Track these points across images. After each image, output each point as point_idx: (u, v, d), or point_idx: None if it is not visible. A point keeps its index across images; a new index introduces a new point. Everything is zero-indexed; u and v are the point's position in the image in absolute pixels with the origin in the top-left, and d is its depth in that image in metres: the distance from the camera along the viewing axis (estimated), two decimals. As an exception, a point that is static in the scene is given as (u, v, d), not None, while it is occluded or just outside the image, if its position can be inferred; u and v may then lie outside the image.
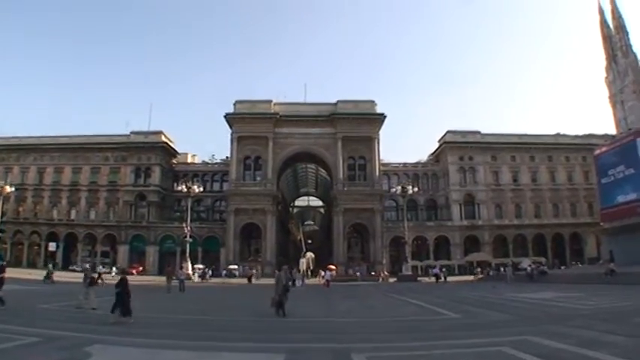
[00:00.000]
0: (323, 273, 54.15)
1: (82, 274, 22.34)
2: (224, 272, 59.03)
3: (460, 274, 59.51)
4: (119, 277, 15.34)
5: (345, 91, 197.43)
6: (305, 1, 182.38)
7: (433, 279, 48.64)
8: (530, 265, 46.84)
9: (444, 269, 52.92)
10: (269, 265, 63.27)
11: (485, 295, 26.19)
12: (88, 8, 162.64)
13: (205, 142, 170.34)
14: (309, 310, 19.45)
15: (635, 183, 44.18)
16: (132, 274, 45.74)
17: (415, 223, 69.48)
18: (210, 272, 54.04)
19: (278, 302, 15.60)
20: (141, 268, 63.20)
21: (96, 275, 21.08)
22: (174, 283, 31.99)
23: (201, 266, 58.40)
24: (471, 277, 52.69)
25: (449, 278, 49.57)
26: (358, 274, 56.24)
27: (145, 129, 73.99)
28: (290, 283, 16.16)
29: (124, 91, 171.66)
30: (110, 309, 14.82)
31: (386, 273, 55.07)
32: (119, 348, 11.25)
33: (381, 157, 71.05)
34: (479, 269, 56.83)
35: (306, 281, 52.83)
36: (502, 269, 52.15)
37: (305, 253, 63.77)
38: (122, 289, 14.69)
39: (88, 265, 47.15)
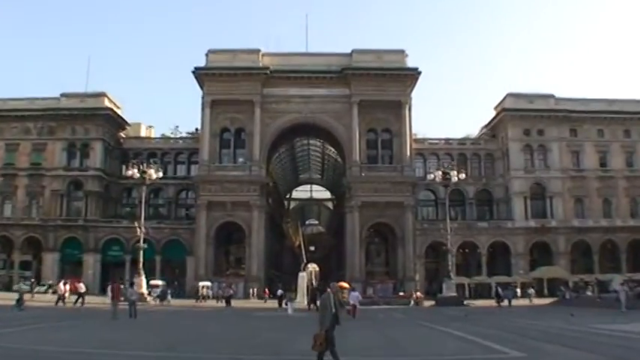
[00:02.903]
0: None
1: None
2: (195, 291, 59.27)
3: (522, 295, 59.47)
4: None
5: (363, 39, 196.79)
6: None
7: (491, 301, 49.72)
8: (622, 284, 46.62)
9: (511, 288, 53.19)
10: (256, 282, 63.79)
11: (560, 327, 26.11)
12: None
13: (167, 109, 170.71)
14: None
15: None
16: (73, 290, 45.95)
17: (461, 223, 70.01)
18: (171, 292, 54.20)
19: (327, 341, 13.75)
20: (82, 285, 63.45)
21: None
22: (123, 305, 31.95)
23: (159, 283, 59.00)
24: (547, 300, 52.90)
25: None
26: (381, 295, 56.27)
27: (81, 90, 74.25)
28: (332, 309, 14.30)
29: (52, 40, 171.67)
30: None
31: (419, 294, 55.05)
32: None
33: (414, 131, 71.95)
34: (564, 288, 57.48)
35: (304, 303, 53.19)
36: (589, 288, 51.81)
37: (306, 264, 63.94)
38: None
39: (24, 285, 47.54)
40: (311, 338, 13.40)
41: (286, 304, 40.68)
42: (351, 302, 36.56)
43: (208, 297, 57.01)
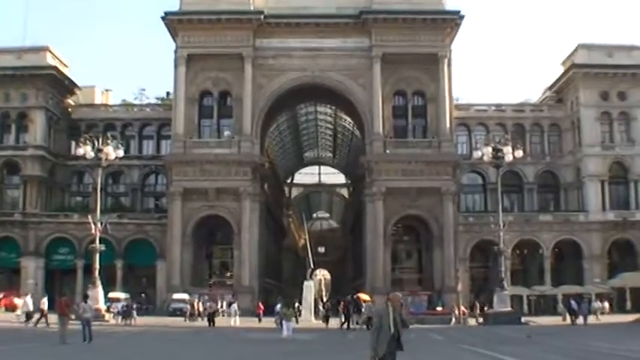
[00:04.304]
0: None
1: None
2: (167, 306, 59.36)
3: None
4: None
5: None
6: None
7: (557, 318, 50.31)
8: None
9: (585, 300, 53.14)
10: (247, 294, 64.16)
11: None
12: None
13: (129, 69, 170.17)
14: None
15: None
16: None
17: (518, 216, 69.72)
18: (136, 307, 54.07)
19: None
20: (29, 299, 63.49)
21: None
22: (74, 325, 31.99)
23: (122, 295, 59.01)
24: (630, 316, 52.61)
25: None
26: (412, 311, 56.21)
27: (18, 44, 74.14)
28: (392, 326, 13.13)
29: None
30: None
31: (463, 309, 54.93)
32: None
33: (455, 95, 72.18)
34: None
35: (313, 321, 53.19)
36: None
37: (313, 271, 63.87)
38: None
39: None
40: None
41: (281, 324, 40.53)
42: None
43: (182, 313, 56.55)
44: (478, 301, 63.95)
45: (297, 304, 52.86)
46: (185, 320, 53.83)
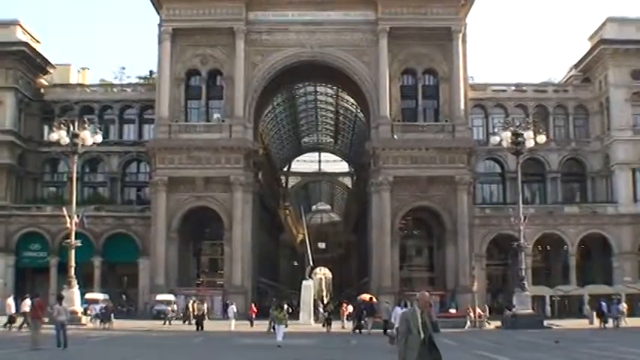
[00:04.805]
0: (349, 308, 53.50)
1: None
2: (150, 308, 59.31)
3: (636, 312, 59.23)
4: None
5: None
6: None
7: (583, 321, 51.00)
8: None
9: (615, 301, 52.90)
10: (239, 295, 63.68)
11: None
12: None
13: (109, 46, 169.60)
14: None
15: None
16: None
17: (540, 208, 70.12)
18: (117, 309, 54.05)
19: None
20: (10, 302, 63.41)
21: None
22: (47, 330, 31.86)
23: (100, 297, 58.60)
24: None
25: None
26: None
27: (-18, 17, 73.79)
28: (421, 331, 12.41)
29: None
30: None
31: (480, 311, 54.83)
32: None
33: (470, 74, 72.85)
34: None
35: (312, 324, 53.07)
36: None
37: (313, 269, 63.76)
38: None
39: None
40: None
41: (273, 329, 40.38)
42: (396, 324, 35.36)
43: (166, 317, 56.22)
44: (495, 303, 64.17)
45: (285, 306, 52.83)
46: (164, 324, 53.68)
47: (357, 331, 46.17)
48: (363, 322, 47.28)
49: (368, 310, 47.85)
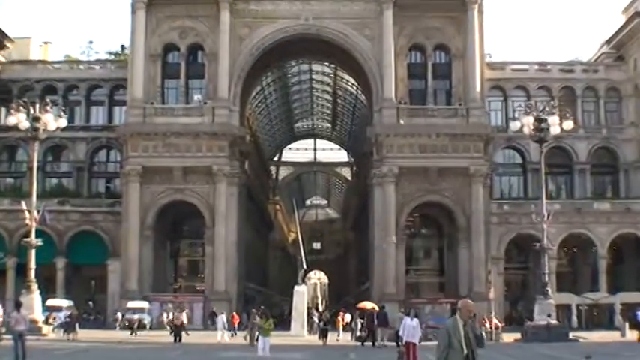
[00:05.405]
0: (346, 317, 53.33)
1: None
2: (118, 317, 59.00)
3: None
4: None
5: None
6: None
7: (615, 333, 52.33)
8: None
9: None
10: (223, 301, 63.48)
11: None
12: None
13: (74, 17, 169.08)
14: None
15: None
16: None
17: (566, 204, 70.12)
18: (79, 317, 53.95)
19: None
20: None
21: None
22: (5, 340, 31.78)
23: (64, 303, 58.67)
24: None
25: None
26: (432, 323, 55.94)
27: None
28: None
29: None
30: None
31: (496, 321, 54.62)
32: None
33: (487, 51, 72.96)
34: None
35: (305, 336, 52.89)
36: None
37: (306, 272, 63.61)
38: None
39: None
40: None
41: (256, 340, 39.84)
42: (405, 337, 34.06)
43: (138, 326, 56.49)
44: (514, 311, 63.97)
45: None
46: (131, 334, 53.67)
47: (371, 343, 45.92)
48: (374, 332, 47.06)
49: (380, 320, 47.50)
